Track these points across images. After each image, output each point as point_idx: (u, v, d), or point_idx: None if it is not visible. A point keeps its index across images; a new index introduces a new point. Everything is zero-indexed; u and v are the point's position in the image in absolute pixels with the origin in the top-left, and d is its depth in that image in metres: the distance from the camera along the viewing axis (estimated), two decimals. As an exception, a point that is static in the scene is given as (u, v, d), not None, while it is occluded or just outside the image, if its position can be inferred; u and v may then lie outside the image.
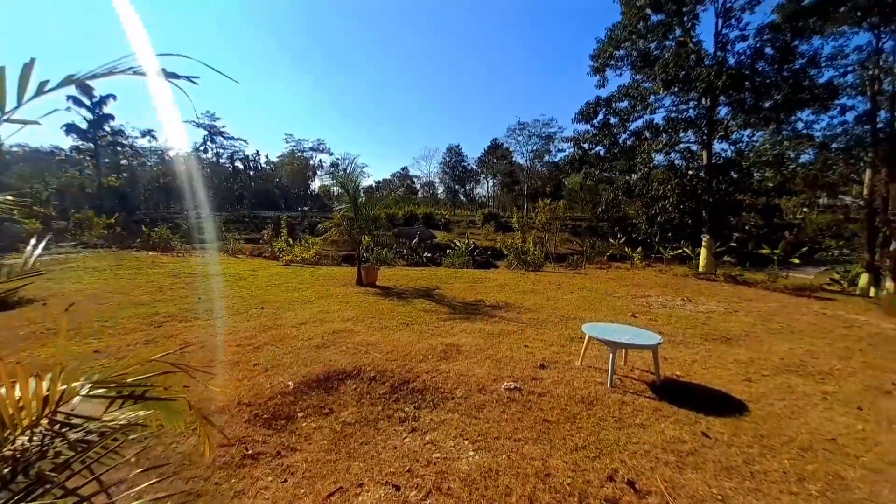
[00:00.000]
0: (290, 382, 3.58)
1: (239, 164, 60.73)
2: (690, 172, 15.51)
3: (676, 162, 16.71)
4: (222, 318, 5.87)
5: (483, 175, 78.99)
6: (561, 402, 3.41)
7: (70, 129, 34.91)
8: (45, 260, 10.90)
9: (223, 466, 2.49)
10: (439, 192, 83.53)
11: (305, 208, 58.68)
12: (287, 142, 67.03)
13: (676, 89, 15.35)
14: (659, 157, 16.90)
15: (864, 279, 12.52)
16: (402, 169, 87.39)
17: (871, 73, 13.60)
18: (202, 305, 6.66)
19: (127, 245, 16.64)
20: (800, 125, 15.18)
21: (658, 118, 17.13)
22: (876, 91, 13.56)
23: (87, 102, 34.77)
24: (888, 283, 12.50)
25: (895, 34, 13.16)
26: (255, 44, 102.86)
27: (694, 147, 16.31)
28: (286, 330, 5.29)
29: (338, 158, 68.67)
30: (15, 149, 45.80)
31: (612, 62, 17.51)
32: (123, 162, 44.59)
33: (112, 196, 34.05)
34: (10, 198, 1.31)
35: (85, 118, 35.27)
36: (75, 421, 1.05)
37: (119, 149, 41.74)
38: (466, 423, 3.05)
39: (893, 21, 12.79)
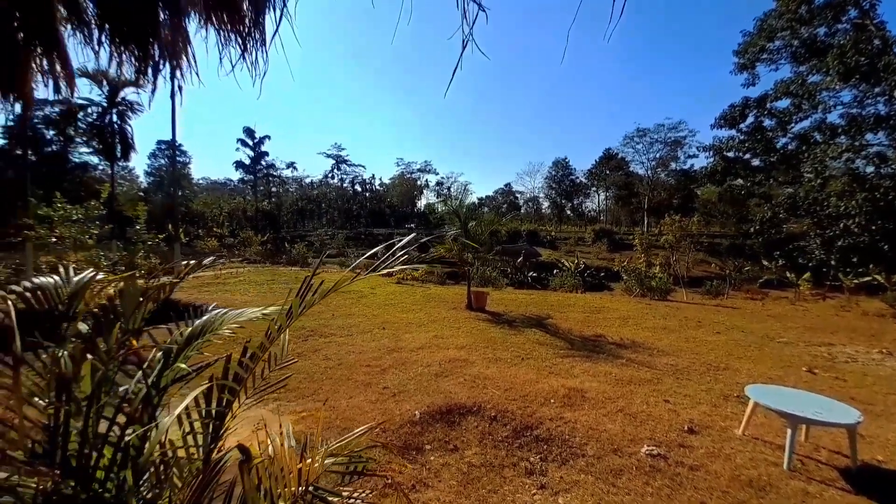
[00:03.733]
0: (416, 412, 3.79)
1: (358, 188, 68.40)
2: (886, 183, 12.12)
3: (862, 170, 13.27)
4: (351, 336, 6.55)
5: (594, 188, 74.43)
6: (721, 483, 2.91)
7: (238, 164, 43.96)
8: (224, 274, 13.74)
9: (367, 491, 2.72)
10: (544, 206, 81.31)
11: (412, 225, 62.99)
12: (398, 165, 73.25)
13: (857, 81, 12.32)
14: (836, 164, 13.63)
15: None
16: (506, 185, 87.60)
17: None
18: (335, 322, 7.55)
19: (276, 260, 20.01)
20: None
21: (833, 117, 13.91)
22: None
23: (251, 143, 43.43)
24: None
25: None
26: (360, 77, 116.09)
27: (887, 151, 12.76)
28: (406, 354, 5.65)
29: (443, 178, 72.29)
30: (200, 181, 59.58)
31: (765, 55, 14.93)
32: (273, 189, 54.08)
33: (264, 218, 41.53)
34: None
35: (248, 155, 44.05)
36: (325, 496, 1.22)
37: (270, 179, 50.88)
38: (603, 490, 2.80)
39: None
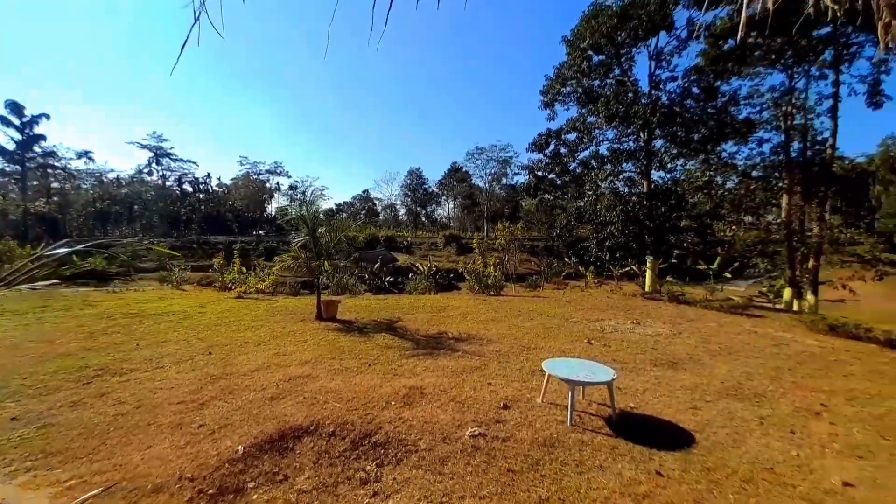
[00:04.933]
0: (239, 447, 3.31)
1: (188, 187, 57.53)
2: (633, 199, 16.68)
3: (621, 189, 17.93)
4: (162, 369, 5.37)
5: (444, 197, 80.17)
6: (524, 448, 3.40)
7: (-9, 150, 31.68)
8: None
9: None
10: (401, 213, 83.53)
11: (261, 232, 56.37)
12: (242, 164, 64.66)
13: (617, 124, 16.61)
14: (605, 185, 18.04)
15: (787, 293, 13.86)
16: (363, 191, 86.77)
17: (784, 109, 15.46)
18: (140, 353, 6.08)
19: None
20: (724, 155, 16.87)
21: (603, 149, 18.42)
22: (789, 125, 15.40)
23: (17, 122, 31.80)
24: (809, 297, 13.92)
25: (807, 74, 15.11)
26: (211, 64, 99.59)
27: (635, 176, 17.62)
28: (237, 379, 4.93)
29: (296, 181, 67.04)
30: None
31: (560, 97, 18.70)
32: (55, 185, 40.84)
33: (40, 223, 30.89)
34: None
35: (13, 138, 32.14)
36: None
37: (50, 171, 38.27)
38: (431, 481, 2.94)
39: (806, 61, 14.69)
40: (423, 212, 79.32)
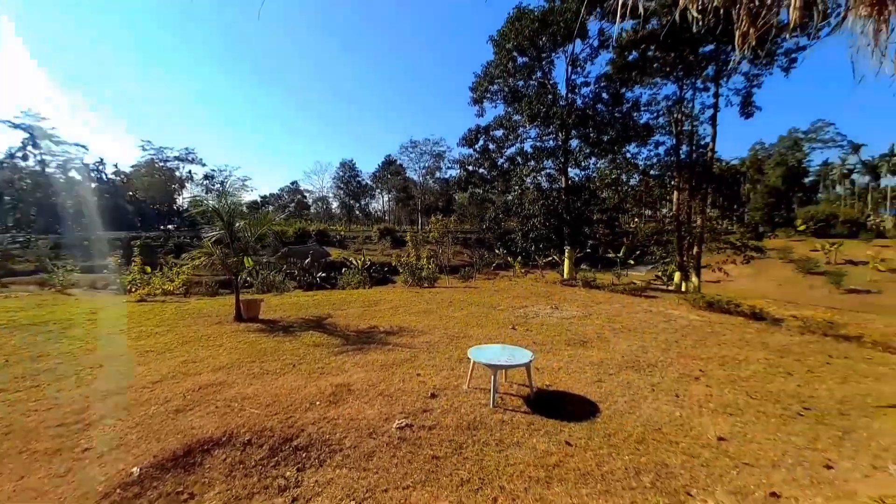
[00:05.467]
0: (134, 469, 2.92)
1: (76, 175, 49.15)
2: (553, 194, 17.88)
3: (543, 185, 19.08)
4: (38, 388, 4.55)
5: (378, 190, 78.44)
6: (449, 433, 3.48)
7: None
8: None
9: None
10: (334, 206, 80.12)
11: (171, 227, 50.37)
12: (144, 149, 56.79)
13: (539, 123, 17.58)
14: (529, 181, 19.06)
15: (677, 276, 15.93)
16: (292, 183, 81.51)
17: (675, 116, 17.55)
18: (10, 371, 5.08)
19: None
20: (629, 155, 18.76)
21: (527, 146, 19.40)
22: (679, 131, 17.53)
23: None
24: (694, 279, 16.12)
25: (694, 86, 17.23)
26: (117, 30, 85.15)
27: (554, 172, 18.87)
28: (134, 394, 4.35)
29: (213, 170, 60.66)
30: None
31: (488, 95, 19.23)
32: None
33: None
34: None
35: None
36: None
37: None
38: (355, 478, 2.87)
39: (692, 76, 16.73)
40: (357, 205, 76.93)
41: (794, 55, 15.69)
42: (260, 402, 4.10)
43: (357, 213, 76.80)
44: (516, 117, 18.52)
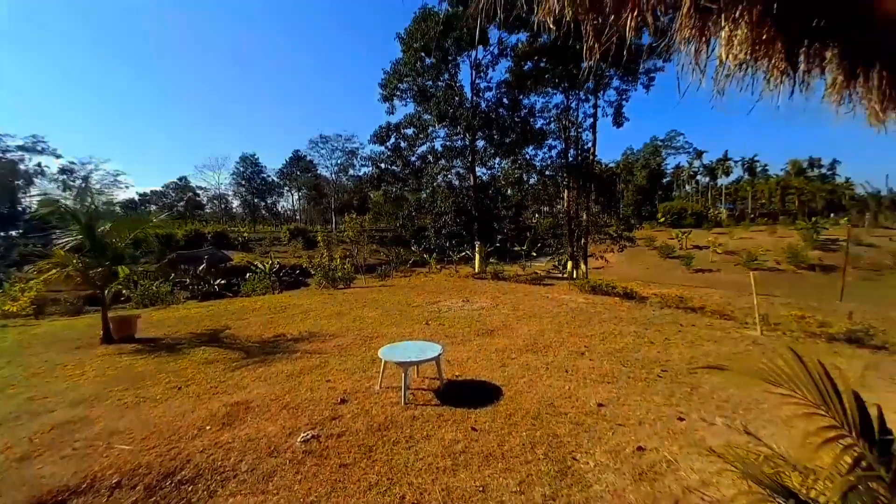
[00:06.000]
0: (-58, 547, 2.25)
1: None
2: (463, 192, 18.56)
3: (454, 183, 19.65)
4: None
5: (287, 188, 72.62)
6: (359, 438, 3.37)
7: None
8: None
9: None
10: (234, 205, 71.97)
11: (14, 233, 40.29)
12: (-31, 137, 44.18)
13: (447, 123, 18.01)
14: (440, 179, 19.47)
15: (569, 265, 17.79)
16: (180, 179, 71.12)
17: (563, 123, 19.43)
18: None
19: None
20: (528, 157, 20.30)
21: (437, 145, 19.75)
22: (567, 136, 19.47)
23: None
24: (582, 266, 18.16)
25: (577, 97, 19.21)
26: None
27: (463, 171, 19.58)
28: (-50, 448, 3.36)
29: (72, 163, 49.83)
30: None
31: (398, 93, 19.04)
32: None
33: None
34: None
35: None
36: None
37: None
38: (251, 503, 2.61)
39: (576, 88, 18.63)
40: (263, 203, 70.26)
41: (652, 74, 18.58)
42: (133, 436, 3.49)
43: (263, 212, 70.21)
44: (426, 116, 18.70)
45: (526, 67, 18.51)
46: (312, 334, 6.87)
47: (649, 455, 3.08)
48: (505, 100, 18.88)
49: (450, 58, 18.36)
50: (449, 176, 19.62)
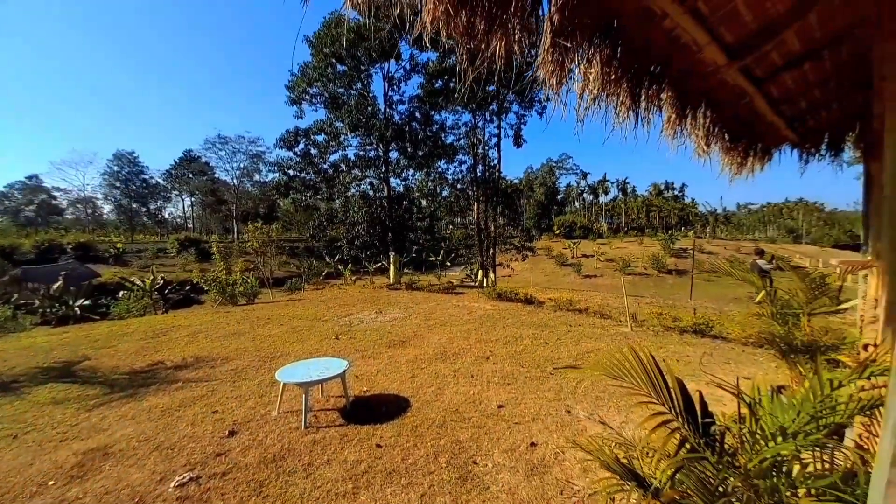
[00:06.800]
0: None
1: None
2: (377, 202, 18.30)
3: (368, 192, 19.28)
4: None
5: (176, 192, 63.12)
6: (249, 473, 3.00)
7: None
8: None
9: None
10: (105, 211, 60.21)
11: None
12: None
13: (360, 133, 17.66)
14: (353, 188, 18.95)
15: (480, 274, 18.67)
16: (29, 178, 57.27)
17: (472, 140, 20.51)
18: None
19: None
20: (440, 170, 20.96)
21: (350, 154, 19.22)
22: (475, 152, 20.58)
23: None
24: (491, 275, 19.20)
25: (484, 117, 20.43)
26: None
27: (376, 181, 19.37)
28: None
29: None
30: None
31: (307, 97, 18.09)
32: None
33: None
34: None
35: None
36: None
37: None
38: (97, 575, 2.12)
39: (482, 109, 19.80)
40: (145, 210, 59.90)
41: (544, 103, 20.80)
42: (-75, 513, 2.61)
43: (145, 219, 59.91)
44: (338, 124, 18.07)
45: (437, 85, 19.19)
46: (199, 359, 5.99)
47: (540, 450, 3.32)
48: (417, 114, 19.27)
49: (362, 67, 18.11)
50: (363, 185, 19.19)
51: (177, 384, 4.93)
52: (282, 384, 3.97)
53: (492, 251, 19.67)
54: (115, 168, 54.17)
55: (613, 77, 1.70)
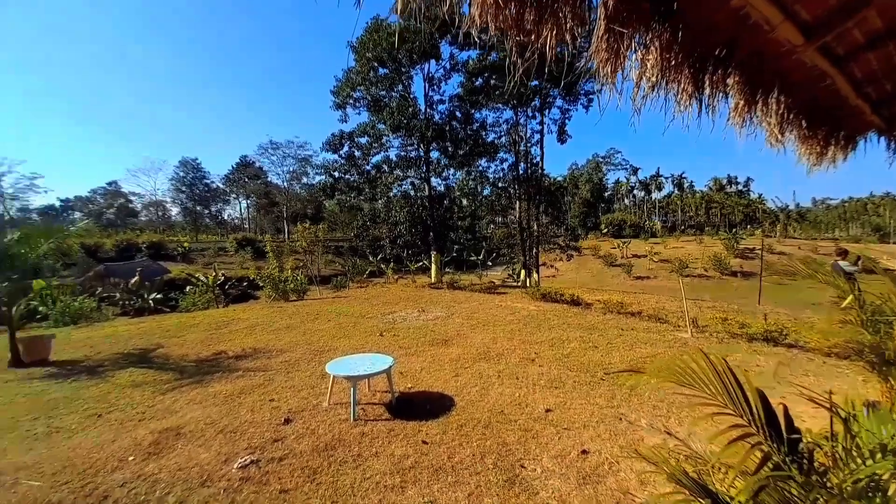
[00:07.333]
0: None
1: None
2: (418, 201, 18.60)
3: (409, 192, 19.66)
4: None
5: (234, 195, 68.40)
6: (303, 460, 3.17)
7: None
8: None
9: None
10: (173, 213, 66.53)
11: None
12: None
13: (402, 134, 18.04)
14: (395, 188, 19.41)
15: (522, 274, 18.34)
16: (109, 183, 64.60)
17: (513, 137, 20.20)
18: None
19: None
20: (481, 169, 20.86)
21: (392, 155, 19.70)
22: (517, 150, 20.25)
23: None
24: (534, 275, 18.80)
25: (526, 113, 20.06)
26: None
27: (418, 181, 19.68)
28: None
29: (-28, 165, 43.48)
30: None
31: (351, 101, 18.80)
32: None
33: None
34: None
35: None
36: None
37: None
38: (174, 543, 2.35)
39: (524, 105, 19.45)
40: (207, 212, 65.51)
41: (591, 95, 19.93)
42: (43, 471, 3.04)
43: (207, 220, 65.45)
44: (380, 126, 18.59)
45: (477, 83, 19.11)
46: (257, 350, 6.43)
47: (593, 458, 3.19)
48: (458, 113, 19.30)
49: (403, 69, 18.48)
50: (404, 186, 19.60)
51: (237, 373, 5.33)
52: (332, 377, 4.16)
53: (535, 250, 19.25)
54: (181, 173, 59.72)
55: (674, 63, 1.59)
